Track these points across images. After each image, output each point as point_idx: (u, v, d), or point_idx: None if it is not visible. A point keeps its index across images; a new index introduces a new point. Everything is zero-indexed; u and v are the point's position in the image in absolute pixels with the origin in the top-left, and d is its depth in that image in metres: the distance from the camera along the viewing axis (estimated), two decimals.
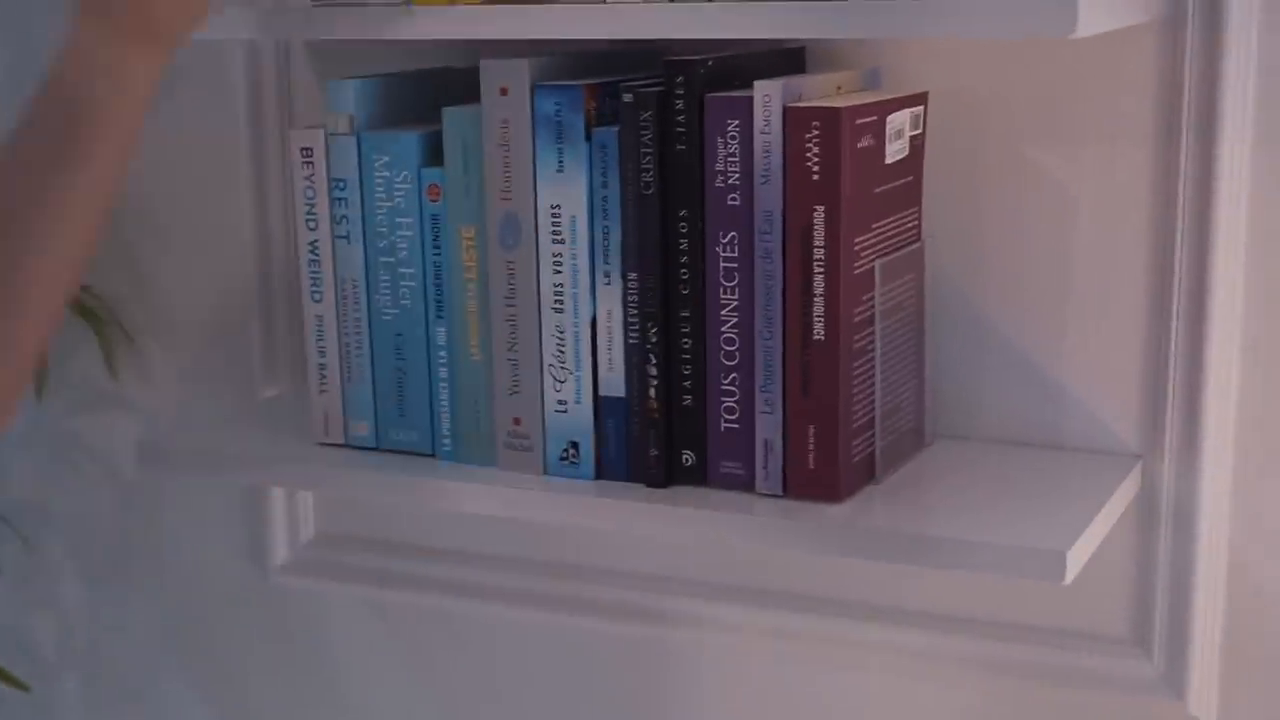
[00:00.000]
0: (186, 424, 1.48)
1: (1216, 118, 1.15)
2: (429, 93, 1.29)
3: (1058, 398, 1.24)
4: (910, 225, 1.20)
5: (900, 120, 1.16)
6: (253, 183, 1.47)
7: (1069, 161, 1.21)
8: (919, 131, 1.20)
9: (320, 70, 1.44)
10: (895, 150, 1.16)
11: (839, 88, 1.17)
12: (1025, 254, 1.24)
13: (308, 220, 1.26)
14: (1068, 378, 1.24)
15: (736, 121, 1.10)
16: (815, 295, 1.10)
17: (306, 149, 1.25)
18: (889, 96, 1.15)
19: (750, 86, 1.10)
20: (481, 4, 1.14)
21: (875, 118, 1.12)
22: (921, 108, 1.20)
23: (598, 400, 1.19)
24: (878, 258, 1.14)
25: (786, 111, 1.09)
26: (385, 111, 1.26)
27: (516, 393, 1.21)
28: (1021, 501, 1.14)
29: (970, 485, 1.17)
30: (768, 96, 1.09)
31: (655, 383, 1.16)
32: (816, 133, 1.08)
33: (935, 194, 1.24)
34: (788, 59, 1.23)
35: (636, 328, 1.16)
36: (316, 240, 1.26)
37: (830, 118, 1.07)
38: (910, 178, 1.19)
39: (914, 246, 1.20)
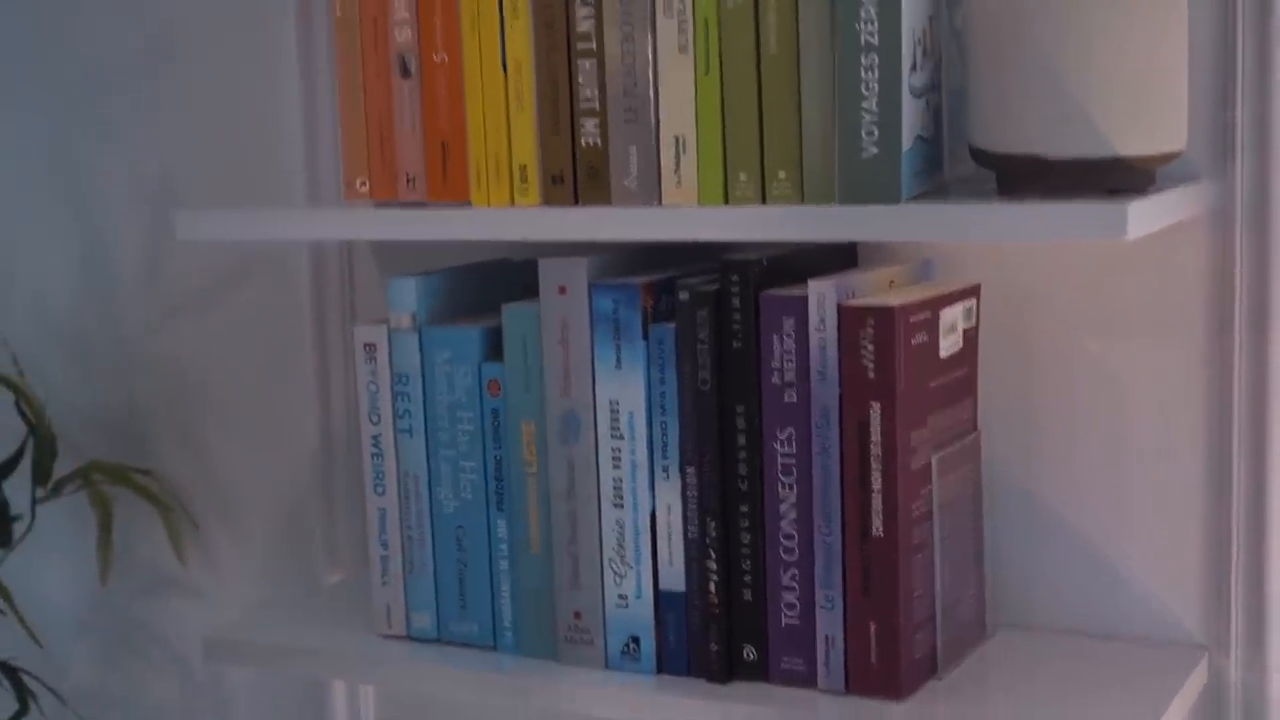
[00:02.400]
0: (250, 613, 1.49)
1: (1269, 310, 1.15)
2: (489, 285, 1.32)
3: (1119, 587, 1.24)
4: (965, 416, 1.21)
5: (953, 314, 1.17)
6: (316, 373, 1.49)
7: (1122, 352, 1.22)
8: (972, 324, 1.21)
9: (383, 263, 1.48)
10: (949, 344, 1.17)
11: (892, 282, 1.19)
12: (1082, 443, 1.24)
13: (371, 415, 1.28)
14: (1128, 567, 1.24)
15: (792, 319, 1.12)
16: (873, 491, 1.11)
17: (369, 344, 1.27)
18: (942, 291, 1.17)
19: (805, 282, 1.12)
20: (539, 205, 1.17)
21: (929, 314, 1.13)
22: (974, 300, 1.21)
23: (658, 595, 1.19)
24: (934, 451, 1.15)
25: (841, 310, 1.10)
26: (446, 305, 1.29)
27: (577, 587, 1.21)
28: (1087, 698, 1.13)
29: (1033, 680, 1.16)
30: (822, 295, 1.11)
31: (715, 578, 1.16)
32: (871, 330, 1.09)
33: (990, 383, 1.25)
34: (841, 253, 1.25)
35: (696, 522, 1.17)
36: (379, 434, 1.28)
37: (884, 316, 1.09)
38: (965, 369, 1.20)
39: (970, 437, 1.21)
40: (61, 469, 1.59)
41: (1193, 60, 1.18)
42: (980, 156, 1.08)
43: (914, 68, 1.06)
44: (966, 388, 1.21)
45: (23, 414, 1.54)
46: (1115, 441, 1.23)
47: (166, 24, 1.55)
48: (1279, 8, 1.14)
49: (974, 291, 1.21)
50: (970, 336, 1.21)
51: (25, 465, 1.56)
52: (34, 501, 1.55)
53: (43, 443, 1.55)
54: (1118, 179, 1.05)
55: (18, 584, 1.64)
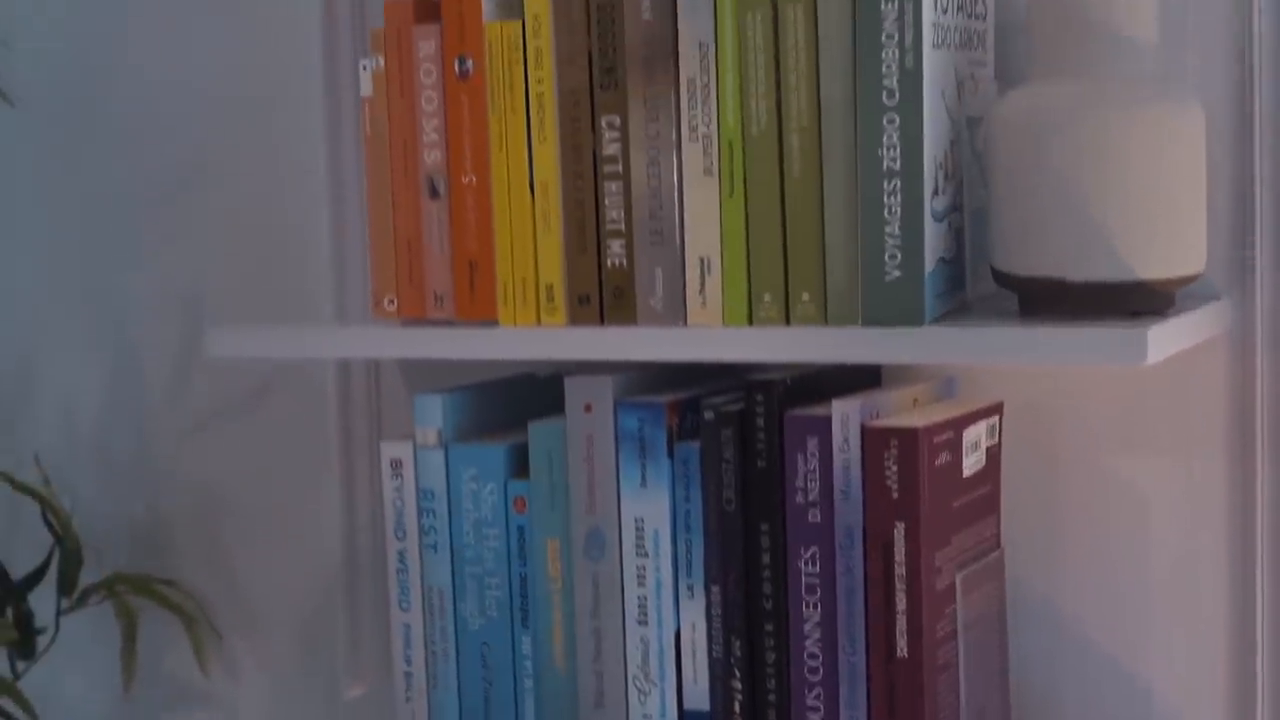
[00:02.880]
0: None
1: None
2: (515, 401, 1.33)
3: (1144, 703, 1.24)
4: (989, 534, 1.21)
5: (976, 433, 1.18)
6: (342, 487, 1.50)
7: (1145, 469, 1.23)
8: (995, 441, 1.22)
9: (410, 378, 1.49)
10: (972, 463, 1.17)
11: (915, 400, 1.20)
12: (1106, 559, 1.24)
13: (396, 531, 1.29)
14: (1153, 684, 1.23)
15: (816, 439, 1.13)
16: (897, 611, 1.11)
17: (396, 461, 1.28)
18: (965, 410, 1.18)
19: (829, 401, 1.13)
20: (565, 325, 1.18)
21: (952, 434, 1.14)
22: (997, 418, 1.22)
23: (683, 713, 1.19)
24: (959, 569, 1.15)
25: (865, 430, 1.11)
26: (472, 421, 1.30)
27: (602, 705, 1.21)
28: None
29: None
30: (846, 415, 1.12)
31: (740, 696, 1.16)
32: (895, 452, 1.10)
33: (1013, 499, 1.26)
34: (865, 371, 1.26)
35: (720, 641, 1.17)
36: (404, 550, 1.29)
37: (908, 437, 1.10)
38: (988, 487, 1.21)
39: (994, 555, 1.21)
40: (87, 579, 1.60)
41: (1211, 180, 1.20)
42: (1002, 278, 1.10)
43: (936, 191, 1.08)
44: (990, 505, 1.21)
45: (49, 525, 1.55)
46: (1139, 558, 1.23)
47: (198, 143, 1.58)
48: None
49: (997, 409, 1.22)
50: (993, 454, 1.21)
51: (51, 575, 1.57)
52: (59, 612, 1.55)
53: (69, 554, 1.56)
54: (1138, 301, 1.06)
55: (41, 694, 1.64)
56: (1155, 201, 1.04)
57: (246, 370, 1.57)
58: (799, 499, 1.14)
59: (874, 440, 1.11)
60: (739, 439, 1.15)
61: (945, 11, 1.09)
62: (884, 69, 1.05)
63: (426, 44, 1.23)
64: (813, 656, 1.14)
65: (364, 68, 1.26)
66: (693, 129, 1.13)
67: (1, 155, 1.67)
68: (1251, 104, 1.18)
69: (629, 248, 1.17)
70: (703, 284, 1.14)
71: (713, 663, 1.17)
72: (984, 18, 1.18)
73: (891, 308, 1.07)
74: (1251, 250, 1.18)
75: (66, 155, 1.65)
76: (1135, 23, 1.07)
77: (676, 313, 1.15)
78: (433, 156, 1.23)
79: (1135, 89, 1.05)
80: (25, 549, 1.69)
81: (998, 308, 1.17)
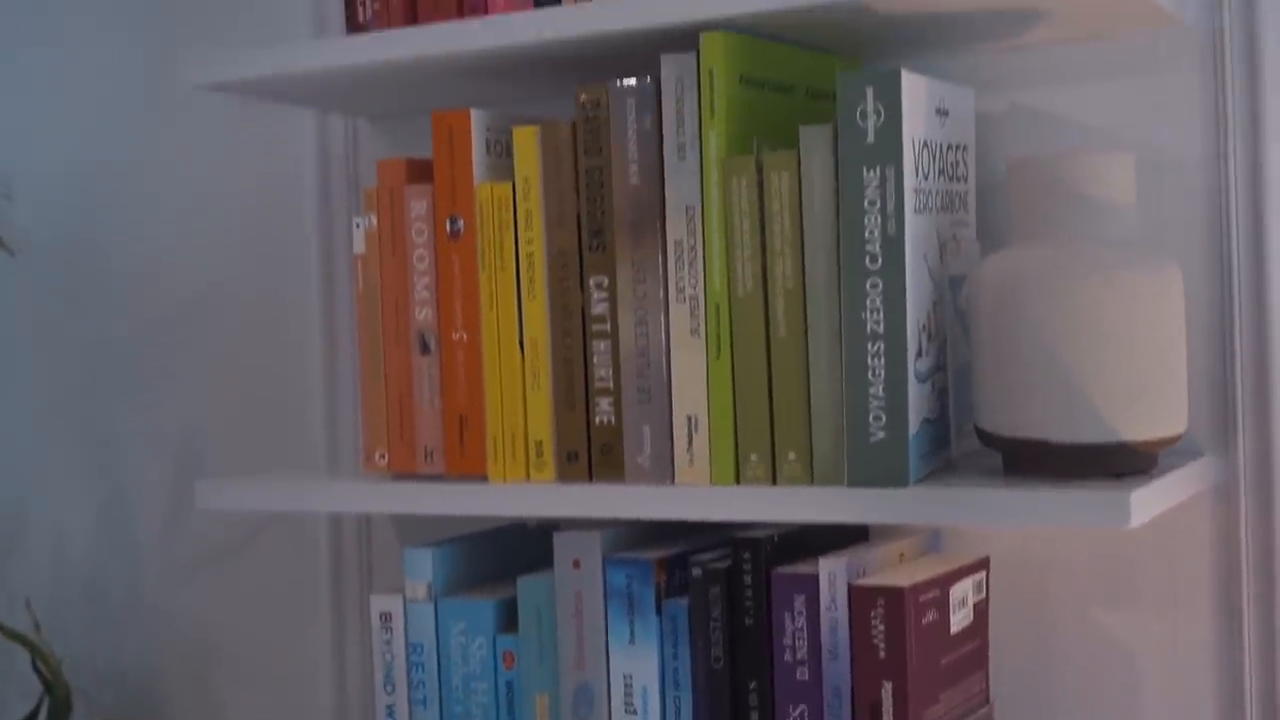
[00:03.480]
0: None
1: (1276, 582, 1.16)
2: (505, 553, 1.34)
3: None
4: (978, 689, 1.21)
5: (963, 589, 1.19)
6: (332, 638, 1.50)
7: (1132, 623, 1.23)
8: (982, 596, 1.22)
9: (401, 529, 1.50)
10: (960, 619, 1.18)
11: (901, 555, 1.21)
12: (1095, 713, 1.24)
13: (385, 684, 1.29)
14: None
15: (803, 597, 1.13)
16: None
17: (385, 614, 1.29)
18: (951, 566, 1.18)
19: (816, 558, 1.14)
20: (554, 481, 1.19)
21: (938, 591, 1.15)
22: (983, 573, 1.22)
23: None
24: None
25: (851, 589, 1.12)
26: (462, 574, 1.30)
27: None
28: None
29: None
30: (832, 574, 1.12)
31: None
32: (881, 611, 1.10)
33: (1001, 652, 1.26)
34: (851, 526, 1.27)
35: None
36: (394, 704, 1.29)
37: (894, 597, 1.10)
38: (976, 642, 1.21)
39: (983, 710, 1.21)
40: None
41: (1191, 339, 1.21)
42: (986, 438, 1.11)
43: (920, 353, 1.09)
44: (978, 660, 1.22)
45: (39, 672, 1.55)
46: (1128, 712, 1.23)
47: (195, 293, 1.60)
48: (1273, 286, 1.18)
49: (983, 564, 1.22)
50: (981, 609, 1.22)
51: None
52: None
53: (58, 701, 1.55)
54: (1121, 462, 1.07)
55: None
56: (1136, 365, 1.06)
57: (239, 516, 1.58)
58: (787, 657, 1.14)
59: (861, 599, 1.11)
60: (726, 596, 1.16)
61: (927, 177, 1.11)
62: (867, 234, 1.07)
63: (419, 203, 1.25)
64: None
65: (357, 225, 1.28)
66: (680, 290, 1.15)
67: (0, 300, 1.69)
68: (1229, 261, 1.20)
69: (617, 405, 1.18)
70: (690, 442, 1.15)
71: None
72: (965, 179, 1.20)
73: (876, 469, 1.08)
74: (1234, 409, 1.19)
75: (65, 301, 1.66)
76: (1113, 188, 1.09)
77: (664, 470, 1.16)
78: (424, 313, 1.25)
79: (1113, 254, 1.07)
80: (15, 695, 1.68)
81: (982, 464, 1.18)
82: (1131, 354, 1.06)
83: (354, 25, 1.28)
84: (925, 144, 1.10)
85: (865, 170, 1.07)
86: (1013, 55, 1.27)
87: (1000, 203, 1.27)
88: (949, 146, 1.16)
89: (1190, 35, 1.21)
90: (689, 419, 1.15)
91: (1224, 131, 1.20)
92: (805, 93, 1.23)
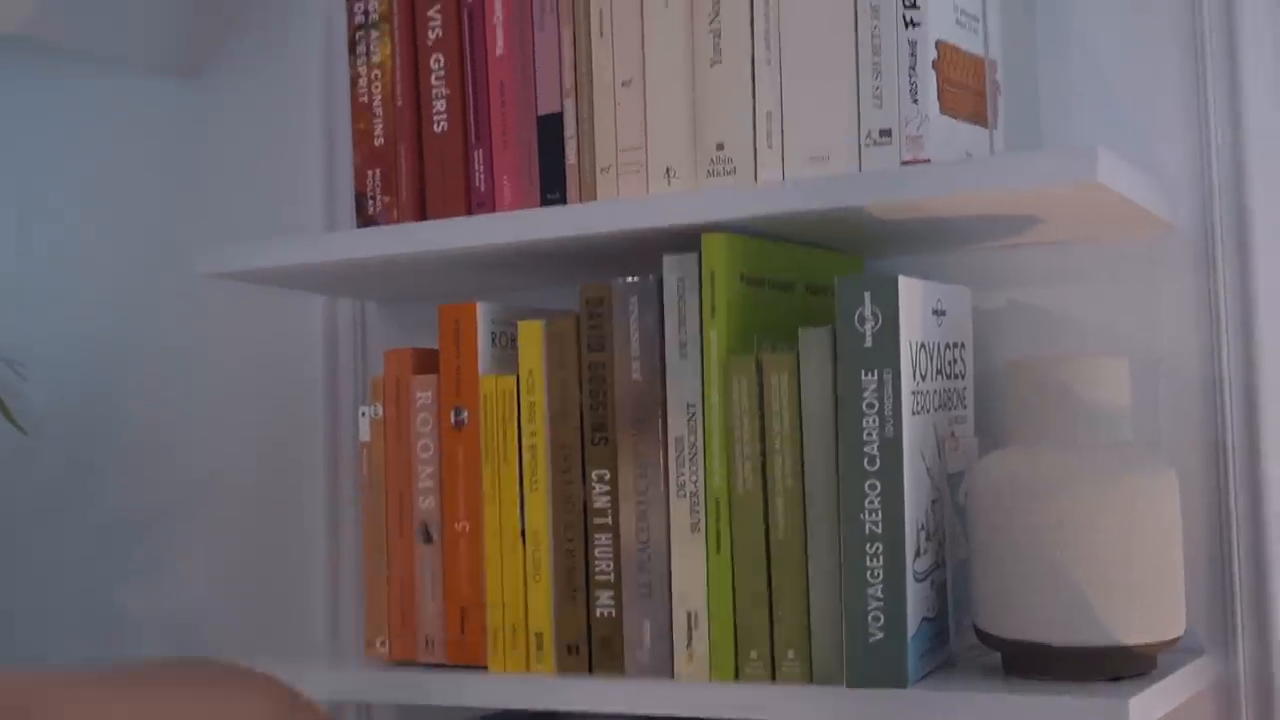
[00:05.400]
0: None
1: None
2: None
3: None
4: None
5: None
6: None
7: None
8: None
9: (403, 712, 1.49)
10: None
11: None
12: None
13: None
14: None
15: None
16: None
17: None
18: None
19: None
20: (554, 673, 1.19)
21: None
22: None
23: None
24: None
25: None
26: None
27: None
28: None
29: None
30: None
31: None
32: None
33: None
34: None
35: None
36: None
37: None
38: None
39: None
40: None
41: (1188, 540, 1.22)
42: (985, 638, 1.11)
43: (918, 553, 1.10)
44: None
45: None
46: None
47: (201, 474, 1.61)
48: (1270, 486, 1.19)
49: None
50: None
51: None
52: None
53: None
54: (1120, 665, 1.07)
55: None
56: (1133, 569, 1.06)
57: None
58: None
59: None
60: None
61: (924, 378, 1.13)
62: (865, 436, 1.08)
63: (424, 394, 1.26)
64: None
65: (363, 414, 1.29)
66: (680, 486, 1.16)
67: (8, 477, 1.70)
68: (1224, 460, 1.21)
69: (618, 599, 1.18)
70: (690, 638, 1.15)
71: None
72: (963, 376, 1.22)
73: (876, 669, 1.08)
74: (1232, 608, 1.20)
75: (72, 477, 1.68)
76: (1108, 391, 1.10)
77: (664, 665, 1.16)
78: (427, 503, 1.26)
79: (1109, 457, 1.08)
80: None
81: (982, 661, 1.18)
82: (1129, 558, 1.06)
83: (364, 218, 1.31)
84: (923, 345, 1.12)
85: (863, 373, 1.08)
86: (1009, 254, 1.29)
87: (999, 395, 1.29)
88: (946, 345, 1.18)
89: (1183, 237, 1.24)
90: (689, 614, 1.15)
91: (1217, 331, 1.22)
92: (805, 289, 1.25)
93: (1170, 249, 1.24)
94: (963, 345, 1.22)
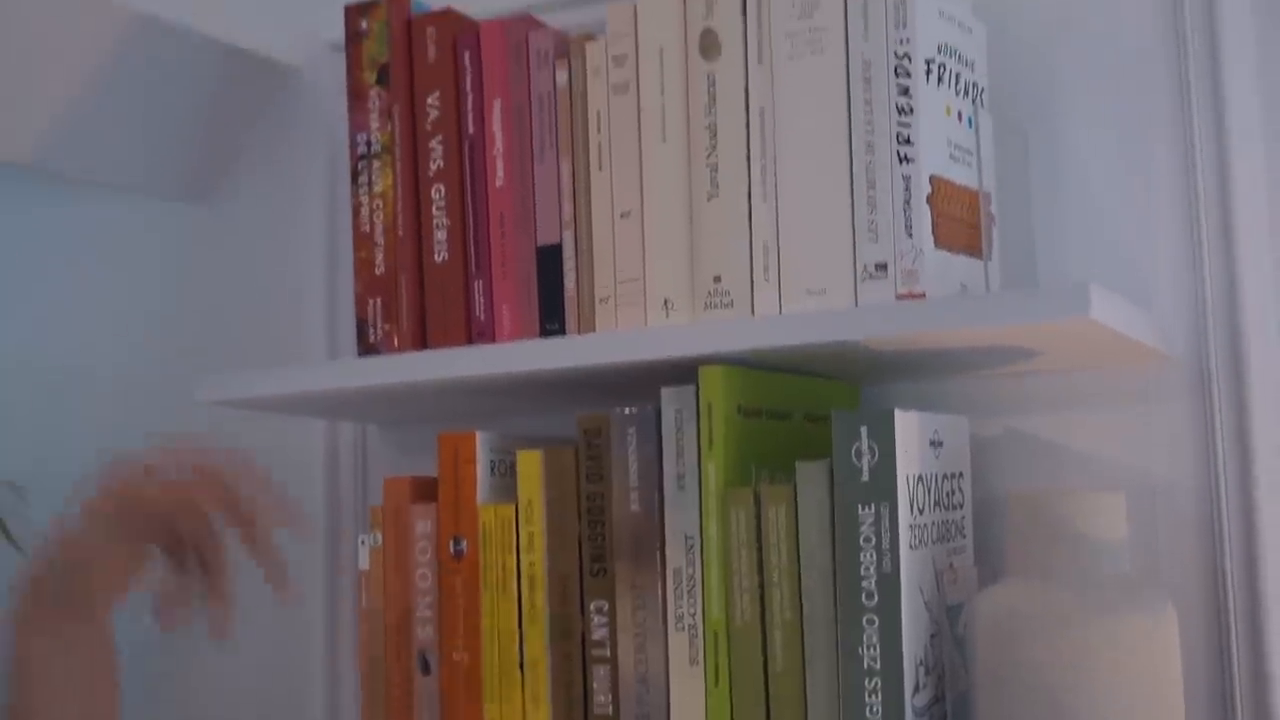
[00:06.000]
0: None
1: None
2: None
3: None
4: None
5: None
6: None
7: None
8: None
9: None
10: None
11: None
12: None
13: None
14: None
15: None
16: None
17: None
18: None
19: None
20: None
21: None
22: None
23: None
24: None
25: None
26: None
27: None
28: None
29: None
30: None
31: None
32: None
33: None
34: None
35: None
36: None
37: None
38: None
39: None
40: None
41: (1189, 671, 1.21)
42: None
43: (917, 688, 1.10)
44: None
45: None
46: None
47: None
48: (1271, 625, 1.19)
49: None
50: None
51: None
52: None
53: None
54: None
55: None
56: (1134, 707, 1.06)
57: None
58: None
59: None
60: None
61: (922, 511, 1.13)
62: (862, 571, 1.08)
63: (423, 522, 1.27)
64: None
65: (362, 542, 1.29)
66: (679, 618, 1.15)
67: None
68: (1224, 590, 1.20)
69: None
70: None
71: None
72: (961, 507, 1.22)
73: None
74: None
75: None
76: (1107, 526, 1.10)
77: None
78: (425, 632, 1.26)
79: (1108, 593, 1.08)
80: None
81: None
82: (1129, 695, 1.06)
83: (365, 345, 1.32)
84: (920, 478, 1.12)
85: (860, 508, 1.08)
86: (1007, 381, 1.30)
87: (998, 523, 1.29)
88: (944, 476, 1.18)
89: (1179, 366, 1.24)
90: None
91: (1215, 461, 1.22)
92: (803, 417, 1.26)
93: (1167, 379, 1.25)
94: (960, 475, 1.22)
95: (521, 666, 1.21)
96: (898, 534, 1.08)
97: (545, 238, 1.26)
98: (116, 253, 1.71)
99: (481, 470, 1.24)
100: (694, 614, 1.15)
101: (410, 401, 1.38)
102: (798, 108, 1.15)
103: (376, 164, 1.32)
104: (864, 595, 1.08)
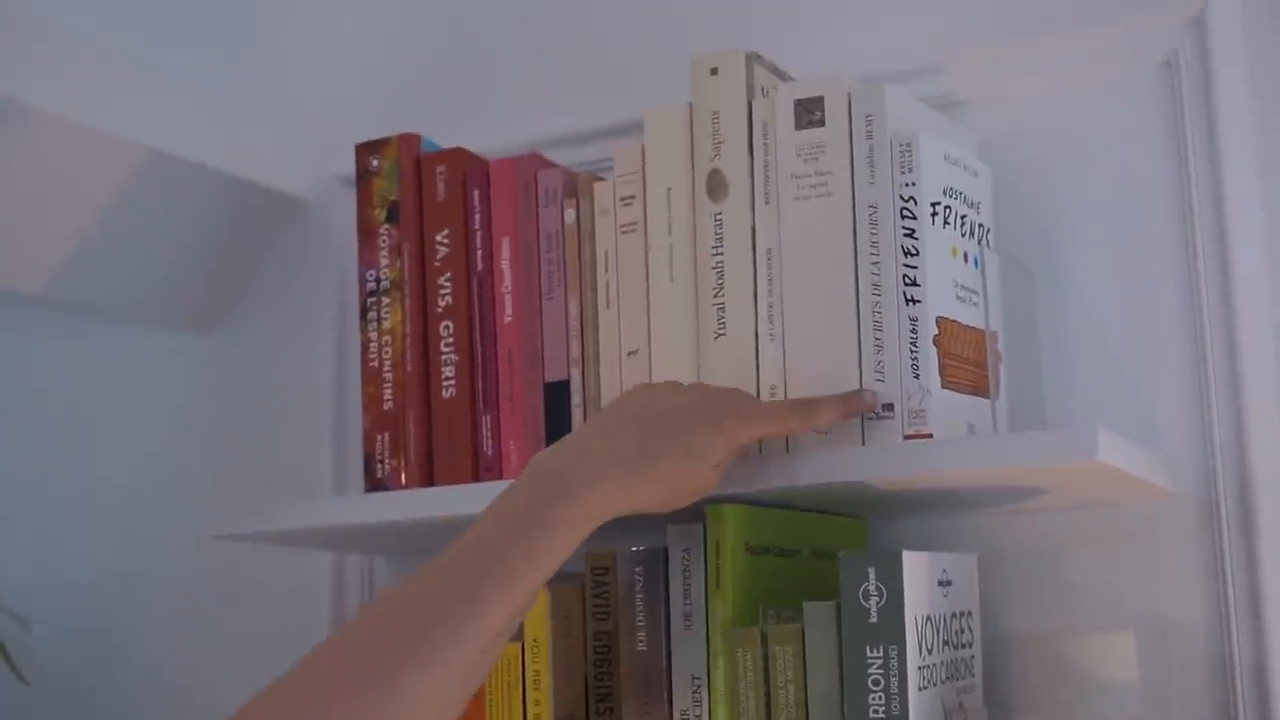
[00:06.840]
0: None
1: None
2: None
3: None
4: None
5: None
6: None
7: None
8: None
9: None
10: None
11: None
12: None
13: None
14: None
15: None
16: None
17: None
18: None
19: None
20: None
21: None
22: None
23: None
24: None
25: None
26: None
27: None
28: None
29: None
30: None
31: None
32: None
33: None
34: None
35: None
36: None
37: None
38: None
39: None
40: None
41: None
42: None
43: None
44: None
45: None
46: None
47: None
48: None
49: None
50: None
51: None
52: None
53: None
54: None
55: None
56: None
57: None
58: None
59: None
60: None
61: (931, 651, 1.12)
62: (870, 713, 1.07)
63: None
64: None
65: None
66: None
67: None
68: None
69: None
70: None
71: None
72: (970, 645, 1.21)
73: None
74: None
75: None
76: (1116, 667, 1.10)
77: None
78: None
79: None
80: None
81: None
82: None
83: (372, 481, 1.32)
84: (929, 618, 1.12)
85: (868, 649, 1.08)
86: (1015, 519, 1.29)
87: (1007, 662, 1.28)
88: (953, 615, 1.18)
89: (1187, 504, 1.24)
90: None
91: (1225, 600, 1.21)
92: (811, 553, 1.25)
93: (1175, 516, 1.24)
94: (969, 613, 1.22)
95: None
96: (906, 676, 1.07)
97: (553, 374, 1.26)
98: (125, 382, 1.72)
99: None
100: None
101: (417, 535, 1.38)
102: (804, 248, 1.16)
103: (386, 300, 1.32)
104: None
